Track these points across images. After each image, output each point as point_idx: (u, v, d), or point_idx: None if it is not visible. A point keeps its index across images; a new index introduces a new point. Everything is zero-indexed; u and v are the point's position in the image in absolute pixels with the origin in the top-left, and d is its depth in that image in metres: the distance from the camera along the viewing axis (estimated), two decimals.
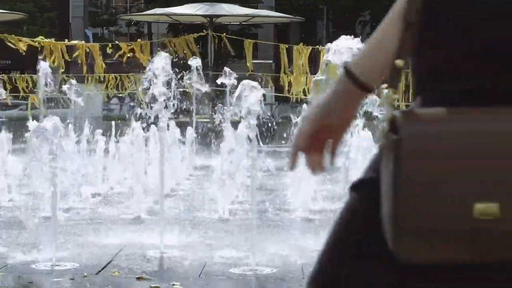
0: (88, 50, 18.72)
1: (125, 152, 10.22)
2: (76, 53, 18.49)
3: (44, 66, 11.91)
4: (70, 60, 18.57)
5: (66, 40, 21.69)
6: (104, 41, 31.81)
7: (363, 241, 1.55)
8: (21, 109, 22.39)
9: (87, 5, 51.56)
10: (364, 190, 1.62)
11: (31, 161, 9.28)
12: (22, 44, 18.04)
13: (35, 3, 40.40)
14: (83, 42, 20.46)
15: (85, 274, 5.26)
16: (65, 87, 10.19)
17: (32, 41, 18.32)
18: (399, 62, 1.48)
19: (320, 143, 1.74)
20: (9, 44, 18.17)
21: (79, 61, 18.41)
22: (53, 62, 17.18)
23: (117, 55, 18.29)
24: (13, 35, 18.73)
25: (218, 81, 12.16)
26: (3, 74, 20.01)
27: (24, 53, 17.97)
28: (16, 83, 18.89)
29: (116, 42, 19.68)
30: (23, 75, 19.80)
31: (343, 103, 1.70)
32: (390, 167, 1.33)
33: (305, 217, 7.70)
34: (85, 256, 5.86)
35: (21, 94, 18.66)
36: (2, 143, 9.74)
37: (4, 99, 13.20)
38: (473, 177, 1.26)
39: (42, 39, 18.44)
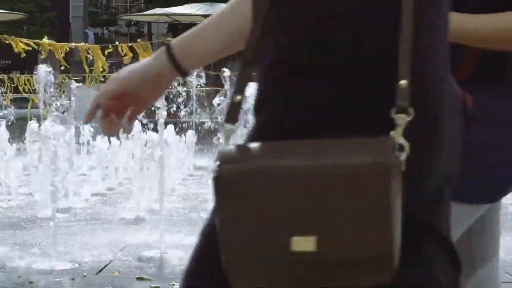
0: (89, 51, 18.70)
1: (126, 151, 10.23)
2: (80, 55, 18.47)
3: (43, 67, 11.91)
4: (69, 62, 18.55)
5: (68, 40, 21.64)
6: (104, 41, 31.81)
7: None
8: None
9: (87, 5, 51.57)
10: None
11: (30, 160, 9.30)
12: (22, 45, 18.04)
13: (35, 3, 40.38)
14: (83, 43, 20.44)
15: (85, 274, 5.26)
16: (65, 87, 10.19)
17: (32, 42, 18.31)
18: (239, 98, 1.44)
19: (122, 106, 1.73)
20: (9, 44, 18.17)
21: (80, 61, 18.40)
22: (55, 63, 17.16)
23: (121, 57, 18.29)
24: (13, 36, 18.72)
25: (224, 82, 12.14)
26: (3, 74, 20.01)
27: (24, 54, 17.97)
28: (15, 83, 18.88)
29: (116, 42, 19.68)
30: (23, 75, 19.80)
31: (154, 78, 1.70)
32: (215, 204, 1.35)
33: None
34: (85, 256, 5.86)
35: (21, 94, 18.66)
36: (2, 143, 9.74)
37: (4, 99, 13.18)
38: (290, 211, 1.27)
39: (45, 40, 18.42)
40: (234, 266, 1.32)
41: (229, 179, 1.31)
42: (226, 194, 1.31)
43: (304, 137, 1.34)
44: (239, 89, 1.44)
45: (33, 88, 17.21)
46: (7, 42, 17.79)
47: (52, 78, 11.34)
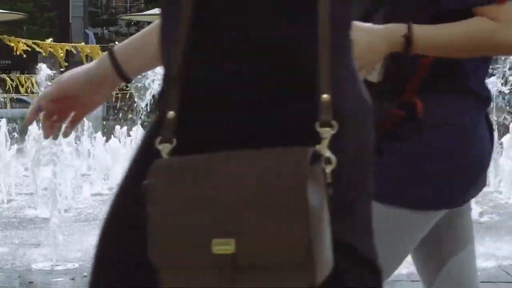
0: (89, 51, 18.74)
1: (126, 151, 10.23)
2: (80, 55, 18.49)
3: (43, 67, 11.91)
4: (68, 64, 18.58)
5: (68, 40, 21.65)
6: (104, 41, 31.81)
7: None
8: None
9: (87, 5, 51.58)
10: None
11: (31, 160, 9.30)
12: (21, 45, 18.05)
13: (35, 3, 40.41)
14: (83, 43, 20.45)
15: (85, 274, 5.26)
16: None
17: (32, 42, 18.33)
18: (172, 114, 1.41)
19: (64, 110, 1.73)
20: (9, 44, 18.19)
21: (81, 61, 18.44)
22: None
23: None
24: (12, 37, 18.74)
25: None
26: (3, 74, 20.02)
27: (24, 54, 17.99)
28: (15, 83, 18.90)
29: (116, 42, 19.73)
30: (24, 75, 19.82)
31: (96, 83, 1.70)
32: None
33: None
34: (85, 256, 5.86)
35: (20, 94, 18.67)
36: (2, 142, 9.75)
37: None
38: (211, 215, 1.31)
39: (48, 41, 18.43)
40: (164, 265, 1.35)
41: (155, 186, 1.34)
42: (153, 200, 1.34)
43: (224, 147, 1.36)
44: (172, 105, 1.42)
45: (33, 88, 17.22)
46: (11, 44, 17.81)
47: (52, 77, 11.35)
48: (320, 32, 1.38)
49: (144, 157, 1.45)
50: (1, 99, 20.34)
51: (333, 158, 1.33)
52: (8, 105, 21.12)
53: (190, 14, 1.40)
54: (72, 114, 1.76)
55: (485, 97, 2.11)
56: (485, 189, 7.52)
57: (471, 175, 2.09)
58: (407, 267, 5.61)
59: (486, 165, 2.13)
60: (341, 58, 1.44)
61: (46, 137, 1.78)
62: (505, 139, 9.81)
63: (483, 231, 6.95)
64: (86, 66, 1.75)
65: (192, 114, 1.42)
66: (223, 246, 1.30)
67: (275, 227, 1.29)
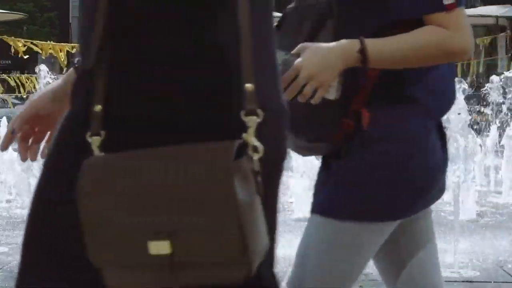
0: None
1: None
2: None
3: (43, 68, 11.92)
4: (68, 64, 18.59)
5: (68, 40, 21.66)
6: None
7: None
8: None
9: None
10: None
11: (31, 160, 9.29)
12: (21, 44, 18.05)
13: (35, 3, 40.41)
14: None
15: None
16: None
17: (32, 43, 18.32)
18: (99, 108, 1.43)
19: (39, 131, 1.75)
20: (9, 44, 18.19)
21: None
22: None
23: None
24: (13, 37, 18.74)
25: None
26: (4, 74, 20.02)
27: (24, 55, 17.99)
28: (14, 83, 18.90)
29: None
30: (24, 75, 19.82)
31: (64, 99, 1.69)
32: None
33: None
34: None
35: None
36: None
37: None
38: (145, 217, 1.33)
39: (49, 42, 18.42)
40: (103, 263, 1.37)
41: (90, 186, 1.35)
42: (87, 200, 1.35)
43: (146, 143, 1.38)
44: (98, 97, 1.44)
45: (34, 89, 17.22)
46: (11, 44, 17.80)
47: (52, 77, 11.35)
48: (241, 32, 1.41)
49: (69, 148, 1.48)
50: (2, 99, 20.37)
51: (260, 146, 1.36)
52: (10, 104, 21.15)
53: (107, 8, 1.42)
54: (48, 133, 1.77)
55: (435, 106, 2.12)
56: (485, 189, 7.51)
57: (419, 186, 2.10)
58: None
59: (437, 175, 2.13)
60: (262, 57, 1.47)
61: (23, 160, 1.79)
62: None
63: (483, 231, 6.95)
64: (56, 82, 1.76)
65: (119, 108, 1.43)
66: (159, 248, 1.32)
67: (208, 225, 1.31)
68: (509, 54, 22.97)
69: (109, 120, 1.42)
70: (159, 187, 1.33)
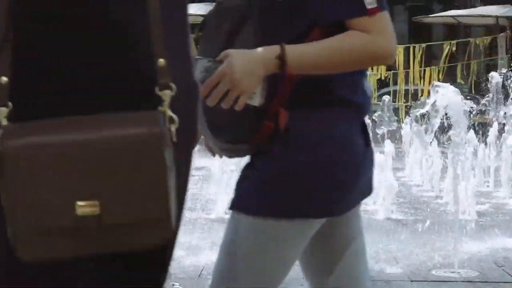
0: None
1: None
2: None
3: None
4: None
5: None
6: None
7: None
8: None
9: None
10: None
11: None
12: None
13: None
14: None
15: None
16: None
17: None
18: (4, 79, 1.45)
19: None
20: None
21: None
22: None
23: None
24: None
25: None
26: None
27: None
28: None
29: None
30: None
31: None
32: None
33: None
34: None
35: None
36: None
37: None
38: (74, 179, 1.37)
39: None
40: (20, 235, 1.38)
41: (13, 152, 1.38)
42: (11, 166, 1.37)
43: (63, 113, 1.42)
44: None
45: None
46: None
47: None
48: (150, 14, 1.46)
49: None
50: None
51: (175, 117, 1.44)
52: None
53: None
54: None
55: (358, 106, 2.14)
56: (485, 189, 7.52)
57: (342, 186, 2.12)
58: (407, 267, 5.61)
59: (360, 173, 2.15)
60: (173, 38, 1.53)
61: None
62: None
63: (483, 231, 6.95)
64: None
65: (26, 80, 1.46)
66: (88, 208, 1.36)
67: (138, 187, 1.38)
68: (509, 54, 23.00)
69: (16, 91, 1.44)
70: (87, 150, 1.37)
